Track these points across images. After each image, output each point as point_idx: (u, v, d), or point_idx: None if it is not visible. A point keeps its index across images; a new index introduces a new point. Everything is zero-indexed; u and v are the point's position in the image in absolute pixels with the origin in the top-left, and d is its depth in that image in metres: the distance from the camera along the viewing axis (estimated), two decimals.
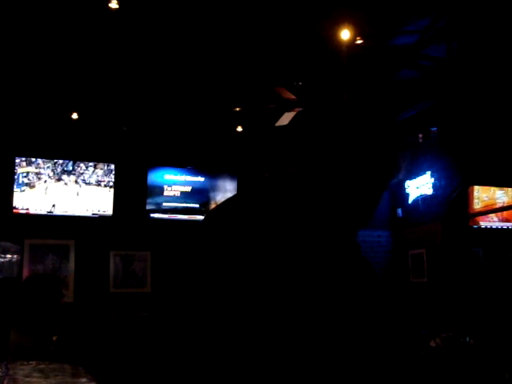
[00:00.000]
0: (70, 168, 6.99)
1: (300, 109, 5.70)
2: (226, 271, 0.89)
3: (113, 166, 7.16)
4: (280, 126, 5.91)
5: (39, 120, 6.80)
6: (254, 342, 0.83)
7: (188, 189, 7.53)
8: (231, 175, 7.66)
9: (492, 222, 6.83)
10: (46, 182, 6.86)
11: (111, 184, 7.13)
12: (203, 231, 1.01)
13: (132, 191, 7.27)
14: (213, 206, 7.47)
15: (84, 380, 1.65)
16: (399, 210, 7.65)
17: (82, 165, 7.04)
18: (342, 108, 1.05)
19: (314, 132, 1.02)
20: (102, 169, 7.10)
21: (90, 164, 7.07)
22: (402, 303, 7.04)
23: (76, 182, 6.99)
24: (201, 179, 7.60)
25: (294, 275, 0.85)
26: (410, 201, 7.47)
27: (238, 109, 6.61)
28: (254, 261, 0.87)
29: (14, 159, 6.71)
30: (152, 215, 7.31)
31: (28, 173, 6.79)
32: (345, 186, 0.99)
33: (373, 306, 0.87)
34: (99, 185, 7.07)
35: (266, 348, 0.82)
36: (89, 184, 7.04)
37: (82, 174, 7.04)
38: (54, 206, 6.86)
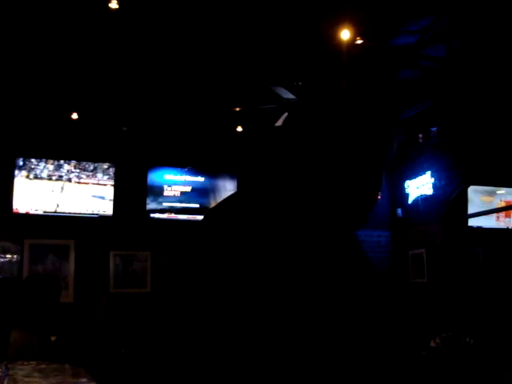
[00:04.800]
0: (73, 168, 6.99)
1: None
2: (225, 270, 0.89)
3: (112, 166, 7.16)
4: (280, 126, 5.90)
5: (38, 120, 6.79)
6: (253, 342, 0.83)
7: (188, 189, 7.52)
8: (231, 175, 7.66)
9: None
10: (49, 182, 6.85)
11: (112, 184, 7.13)
12: (202, 230, 1.02)
13: (132, 191, 7.26)
14: (213, 205, 7.47)
15: (84, 380, 1.65)
16: (399, 210, 7.65)
17: (84, 164, 7.04)
18: (334, 96, 1.02)
19: (305, 125, 1.01)
20: (105, 169, 7.11)
21: (93, 164, 7.06)
22: (401, 303, 7.04)
23: (79, 182, 6.99)
24: (201, 179, 7.60)
25: (293, 274, 0.85)
26: (410, 201, 7.47)
27: (238, 109, 6.61)
28: (253, 260, 0.87)
29: (15, 160, 6.71)
30: (152, 215, 7.30)
31: (30, 174, 6.78)
32: (339, 178, 0.98)
33: (370, 303, 0.87)
34: (107, 185, 7.09)
35: (266, 347, 0.82)
36: (90, 184, 7.03)
37: (85, 173, 7.03)
38: (57, 205, 6.86)
